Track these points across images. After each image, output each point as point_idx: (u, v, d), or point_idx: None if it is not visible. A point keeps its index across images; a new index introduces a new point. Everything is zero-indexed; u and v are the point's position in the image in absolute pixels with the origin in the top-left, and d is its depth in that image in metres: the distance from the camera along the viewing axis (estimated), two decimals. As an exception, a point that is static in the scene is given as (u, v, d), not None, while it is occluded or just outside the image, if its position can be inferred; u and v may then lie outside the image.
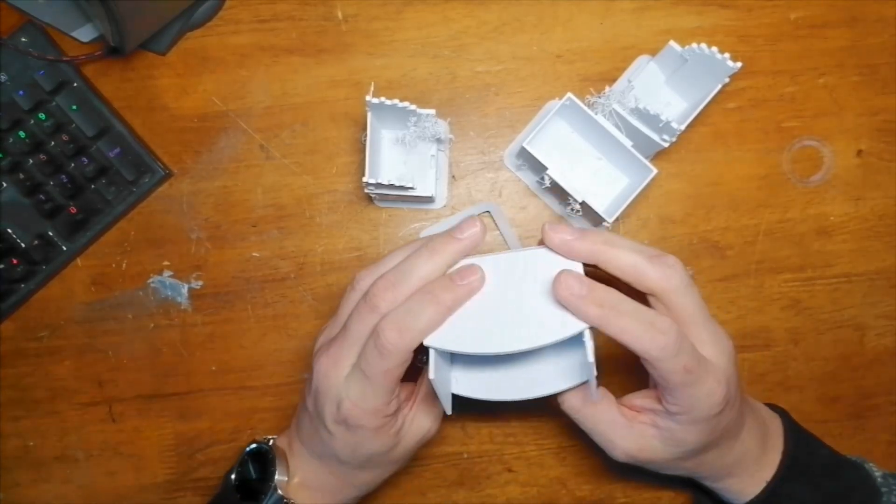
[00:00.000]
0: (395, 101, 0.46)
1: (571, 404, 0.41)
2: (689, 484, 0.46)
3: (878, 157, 0.54)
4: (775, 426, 0.45)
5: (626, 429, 0.40)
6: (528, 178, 0.53)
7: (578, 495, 0.53)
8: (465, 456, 0.53)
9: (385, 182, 0.46)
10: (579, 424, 0.41)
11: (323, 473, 0.43)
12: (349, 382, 0.39)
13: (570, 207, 0.48)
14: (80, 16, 0.52)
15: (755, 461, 0.43)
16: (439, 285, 0.37)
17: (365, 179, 0.46)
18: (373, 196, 0.52)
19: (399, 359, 0.37)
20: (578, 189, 0.47)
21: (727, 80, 0.46)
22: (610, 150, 0.50)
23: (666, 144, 0.47)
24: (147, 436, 0.53)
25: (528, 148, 0.48)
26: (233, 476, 0.44)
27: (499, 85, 0.54)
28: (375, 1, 0.54)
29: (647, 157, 0.48)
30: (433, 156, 0.51)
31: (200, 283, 0.53)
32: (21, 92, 0.51)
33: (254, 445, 0.45)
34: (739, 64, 0.44)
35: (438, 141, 0.51)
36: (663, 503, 0.53)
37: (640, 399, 0.41)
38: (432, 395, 0.41)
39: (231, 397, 0.53)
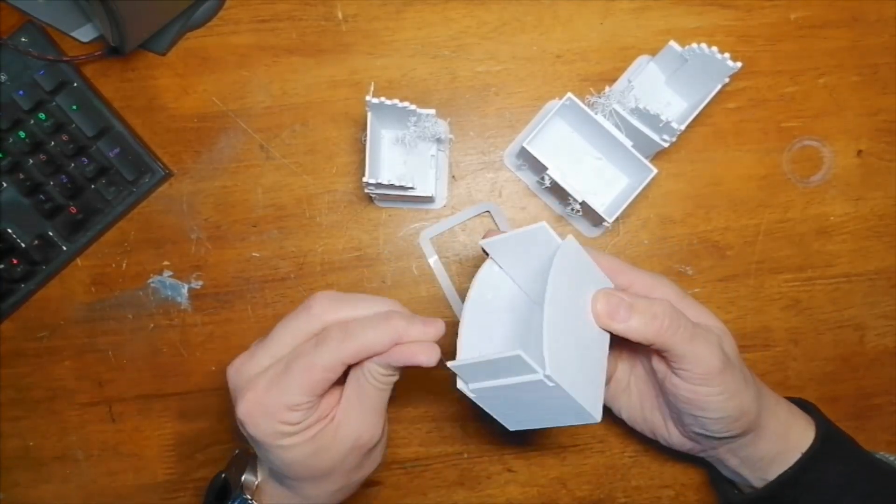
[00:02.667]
0: (395, 101, 0.46)
1: (671, 320, 0.38)
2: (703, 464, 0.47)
3: (878, 157, 0.54)
4: (799, 413, 0.45)
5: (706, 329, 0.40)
6: (528, 178, 0.53)
7: (578, 495, 0.53)
8: (465, 456, 0.53)
9: (385, 182, 0.46)
10: (672, 347, 0.39)
11: (273, 481, 0.42)
12: (259, 377, 0.37)
13: (570, 207, 0.48)
14: (80, 16, 0.52)
15: (784, 430, 0.44)
16: (401, 316, 0.37)
17: (365, 179, 0.46)
18: (373, 196, 0.52)
19: (332, 358, 0.36)
20: (578, 189, 0.47)
21: (727, 79, 0.46)
22: (610, 149, 0.50)
23: (666, 144, 0.47)
24: (147, 436, 0.53)
25: (529, 148, 0.48)
26: (223, 475, 0.44)
27: (499, 85, 0.54)
28: (375, 1, 0.54)
29: (646, 157, 0.48)
30: (433, 156, 0.51)
31: (200, 283, 0.53)
32: (21, 92, 0.51)
33: (237, 451, 0.45)
34: (739, 64, 0.44)
35: (438, 141, 0.51)
36: (663, 503, 0.53)
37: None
38: (364, 401, 0.39)
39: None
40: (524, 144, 0.48)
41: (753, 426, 0.42)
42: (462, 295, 0.53)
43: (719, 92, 0.47)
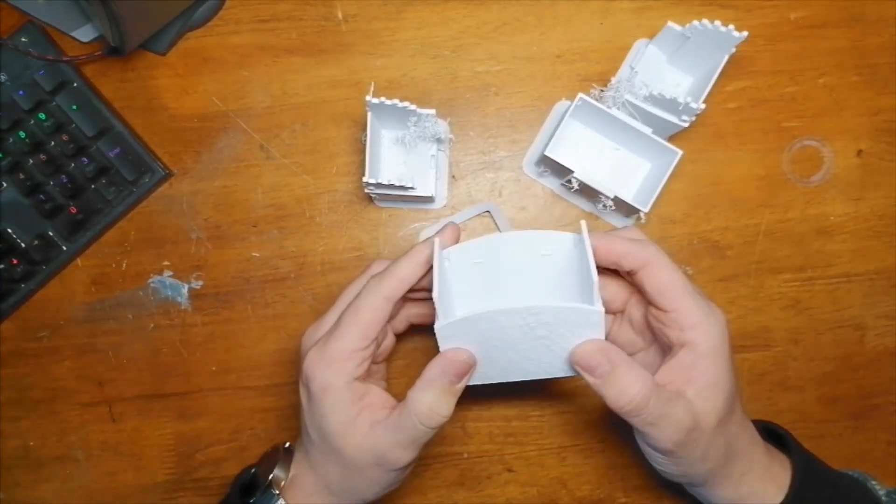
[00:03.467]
0: (395, 101, 0.46)
1: (638, 399, 0.37)
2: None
3: (878, 157, 0.54)
4: (771, 449, 0.44)
5: (679, 402, 0.38)
6: (552, 183, 0.53)
7: (578, 495, 0.53)
8: (465, 456, 0.53)
9: (385, 182, 0.46)
10: (645, 420, 0.37)
11: (304, 469, 0.43)
12: (323, 338, 0.40)
13: (601, 205, 0.48)
14: (80, 16, 0.52)
15: (765, 454, 0.42)
16: (425, 244, 0.41)
17: (365, 179, 0.46)
18: (373, 196, 0.52)
19: (375, 296, 0.39)
20: (607, 185, 0.47)
21: (734, 49, 0.46)
22: (627, 139, 0.50)
23: (686, 125, 0.48)
24: (147, 436, 0.53)
25: (551, 155, 0.48)
26: (252, 470, 0.44)
27: (499, 85, 0.54)
28: (375, 1, 0.54)
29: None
30: (433, 156, 0.51)
31: (200, 283, 0.53)
32: (21, 92, 0.51)
33: (271, 447, 0.45)
34: (745, 33, 0.44)
35: (438, 141, 0.51)
36: (663, 503, 0.53)
37: (664, 373, 0.39)
38: (400, 430, 0.39)
39: (231, 397, 0.53)
40: (546, 153, 0.48)
41: (716, 477, 0.41)
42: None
43: (728, 62, 0.47)
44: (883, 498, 0.43)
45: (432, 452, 0.53)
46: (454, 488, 0.53)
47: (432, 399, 0.38)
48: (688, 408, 0.38)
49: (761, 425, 0.46)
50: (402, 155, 0.51)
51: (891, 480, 0.53)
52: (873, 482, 0.44)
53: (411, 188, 0.48)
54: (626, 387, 0.36)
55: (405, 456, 0.39)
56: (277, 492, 0.42)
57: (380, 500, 0.53)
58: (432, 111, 0.47)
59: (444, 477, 0.53)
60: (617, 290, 0.44)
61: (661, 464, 0.40)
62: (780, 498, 0.41)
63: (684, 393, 0.38)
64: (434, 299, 0.37)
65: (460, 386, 0.39)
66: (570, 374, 0.40)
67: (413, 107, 0.47)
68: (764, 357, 0.53)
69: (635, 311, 0.43)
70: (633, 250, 0.39)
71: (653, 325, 0.41)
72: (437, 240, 0.40)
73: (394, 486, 0.43)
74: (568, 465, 0.53)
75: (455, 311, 0.42)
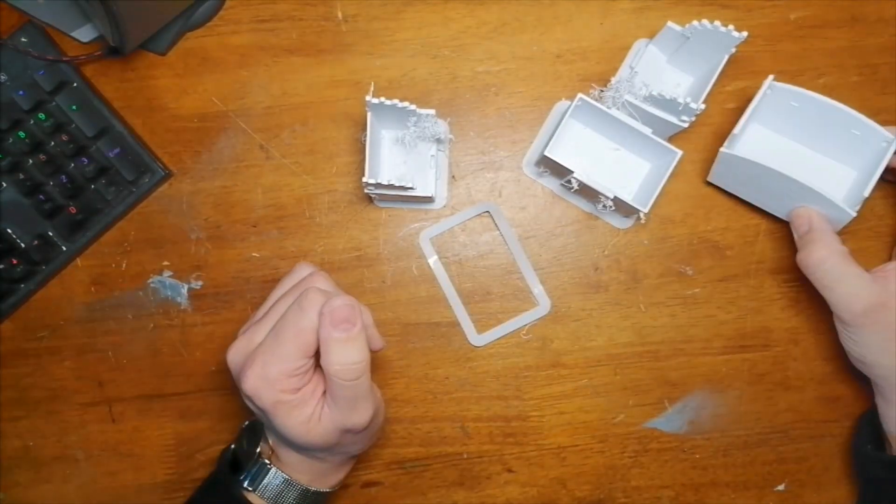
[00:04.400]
0: (395, 101, 0.46)
1: (820, 255, 0.44)
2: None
3: (878, 157, 0.54)
4: None
5: (868, 282, 0.43)
6: (552, 184, 0.53)
7: (578, 495, 0.53)
8: (465, 456, 0.53)
9: (385, 182, 0.46)
10: (822, 279, 0.44)
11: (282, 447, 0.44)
12: (256, 352, 0.40)
13: (601, 205, 0.48)
14: (80, 16, 0.52)
15: None
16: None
17: (365, 179, 0.46)
18: (373, 196, 0.52)
19: (315, 319, 0.38)
20: (607, 186, 0.47)
21: (734, 49, 0.46)
22: (627, 139, 0.50)
23: (686, 125, 0.48)
24: (147, 436, 0.53)
25: (550, 155, 0.48)
26: (232, 447, 0.45)
27: (499, 85, 0.54)
28: (375, 1, 0.54)
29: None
30: (433, 156, 0.51)
31: (200, 283, 0.53)
32: (21, 92, 0.51)
33: (247, 422, 0.46)
34: (745, 33, 0.45)
35: (438, 141, 0.51)
36: (663, 503, 0.53)
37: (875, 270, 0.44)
38: (338, 397, 0.39)
39: (231, 397, 0.53)
40: (546, 153, 0.48)
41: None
42: (462, 295, 0.53)
43: (728, 62, 0.47)
44: None
45: (432, 452, 0.53)
46: (454, 488, 0.53)
47: (336, 356, 0.38)
48: (876, 292, 0.42)
49: None
50: (402, 155, 0.51)
51: (891, 480, 0.53)
52: None
53: (411, 188, 0.48)
54: (811, 249, 0.45)
55: (364, 415, 0.40)
56: (269, 462, 0.43)
57: (379, 500, 0.53)
58: (432, 111, 0.47)
59: (445, 477, 0.53)
60: None
61: (848, 340, 0.45)
62: None
63: (883, 286, 0.42)
64: None
65: (357, 330, 0.38)
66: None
67: (413, 107, 0.46)
68: (764, 357, 0.53)
69: None
70: None
71: None
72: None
73: (374, 438, 0.45)
74: (568, 465, 0.53)
75: None
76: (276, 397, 0.39)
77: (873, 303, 0.42)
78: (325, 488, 0.45)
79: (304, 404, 0.40)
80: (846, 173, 0.50)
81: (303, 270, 0.44)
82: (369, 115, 0.47)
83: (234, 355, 0.42)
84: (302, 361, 0.39)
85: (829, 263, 0.44)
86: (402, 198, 0.52)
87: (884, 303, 0.42)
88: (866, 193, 0.47)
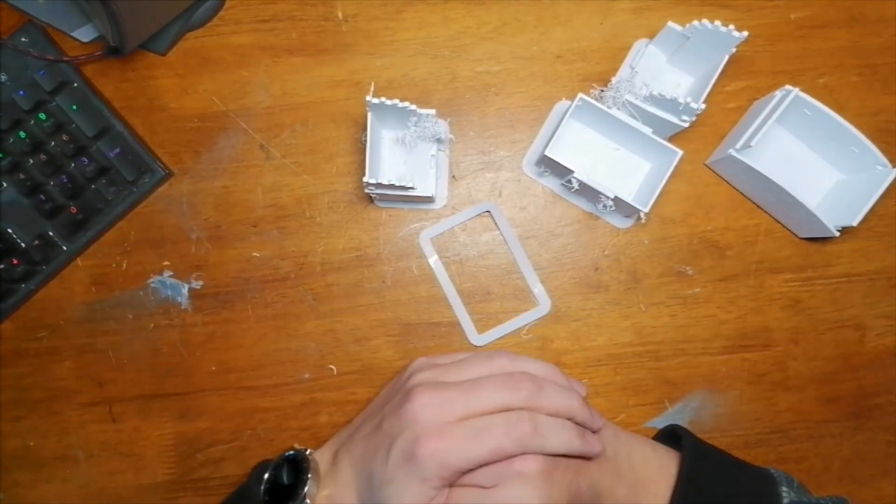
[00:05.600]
0: (396, 101, 0.46)
1: None
2: None
3: (879, 157, 0.54)
4: (661, 466, 0.45)
5: None
6: (552, 183, 0.53)
7: (578, 495, 0.53)
8: (465, 456, 0.53)
9: (385, 182, 0.46)
10: None
11: (353, 492, 0.42)
12: (453, 428, 0.38)
13: (601, 205, 0.48)
14: (81, 16, 0.52)
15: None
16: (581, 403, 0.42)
17: (365, 179, 0.46)
18: (373, 196, 0.52)
19: (515, 451, 0.38)
20: (607, 186, 0.47)
21: (734, 49, 0.46)
22: (627, 139, 0.50)
23: (686, 125, 0.48)
24: (147, 436, 0.53)
25: (551, 155, 0.48)
26: (266, 475, 0.43)
27: (499, 85, 0.54)
28: (375, 1, 0.54)
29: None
30: (433, 156, 0.51)
31: (200, 283, 0.53)
32: (21, 92, 0.51)
33: (292, 452, 0.44)
34: (745, 33, 0.45)
35: (438, 141, 0.51)
36: (663, 503, 0.53)
37: None
38: None
39: (231, 397, 0.53)
40: (546, 153, 0.48)
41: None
42: (462, 295, 0.53)
43: (728, 62, 0.47)
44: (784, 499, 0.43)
45: (432, 452, 0.53)
46: (454, 488, 0.53)
47: None
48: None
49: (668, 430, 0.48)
50: (402, 155, 0.51)
51: (890, 480, 0.53)
52: (781, 488, 0.44)
53: (411, 188, 0.48)
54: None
55: None
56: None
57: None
58: (432, 111, 0.47)
59: (444, 477, 0.53)
60: None
61: None
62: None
63: None
64: None
65: None
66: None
67: (413, 107, 0.47)
68: (764, 357, 0.53)
69: None
70: None
71: None
72: None
73: None
74: (568, 465, 0.53)
75: None
76: (432, 474, 0.37)
77: None
78: None
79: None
80: (842, 184, 0.51)
81: (527, 383, 0.41)
82: (370, 114, 0.47)
83: (424, 410, 0.39)
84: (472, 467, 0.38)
85: None
86: (403, 198, 0.52)
87: None
88: (854, 223, 0.48)
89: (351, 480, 0.42)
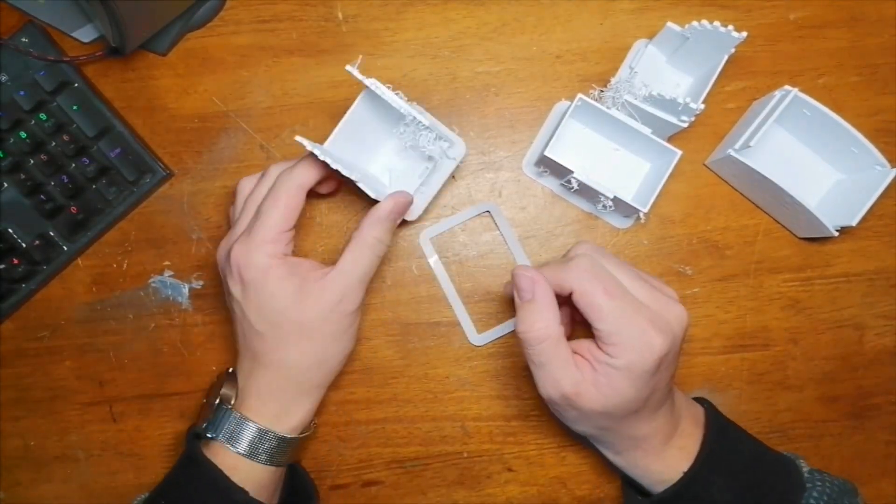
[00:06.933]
0: (389, 89, 0.44)
1: (536, 335, 0.40)
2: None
3: (878, 158, 0.54)
4: (693, 414, 0.45)
5: (572, 368, 0.40)
6: (552, 184, 0.53)
7: (578, 495, 0.53)
8: (465, 456, 0.53)
9: (332, 164, 0.43)
10: (532, 356, 0.41)
11: (252, 379, 0.45)
12: (244, 233, 0.44)
13: (600, 205, 0.48)
14: (81, 16, 0.52)
15: (662, 442, 0.43)
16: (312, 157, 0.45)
17: (309, 146, 0.43)
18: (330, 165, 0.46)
19: (294, 184, 0.44)
20: (607, 186, 0.47)
21: (734, 50, 0.47)
22: (627, 139, 0.50)
23: (685, 125, 0.48)
24: (148, 435, 0.53)
25: (550, 155, 0.48)
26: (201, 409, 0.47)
27: (499, 85, 0.54)
28: (376, 1, 0.54)
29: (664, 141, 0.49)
30: (421, 172, 0.50)
31: (201, 283, 0.53)
32: (22, 92, 0.51)
33: (214, 379, 0.49)
34: (745, 34, 0.45)
35: (429, 158, 0.49)
36: (663, 503, 0.53)
37: (585, 346, 0.41)
38: (357, 267, 0.44)
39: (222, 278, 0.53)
40: (546, 153, 0.48)
41: (601, 445, 0.45)
42: (462, 295, 0.53)
43: (727, 62, 0.47)
44: (805, 474, 0.44)
45: (432, 452, 0.53)
46: (454, 487, 0.53)
47: (380, 232, 0.44)
48: (574, 380, 0.40)
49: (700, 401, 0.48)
50: (397, 148, 0.51)
51: (890, 480, 0.53)
52: (801, 461, 0.45)
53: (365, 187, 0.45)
54: (533, 321, 0.41)
55: (360, 290, 0.44)
56: (229, 406, 0.44)
57: (380, 499, 0.53)
58: (425, 122, 0.46)
59: (444, 476, 0.53)
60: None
61: (556, 414, 0.44)
62: (674, 476, 0.42)
63: (584, 373, 0.40)
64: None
65: (398, 222, 0.46)
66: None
67: (406, 106, 0.45)
68: (764, 357, 0.53)
69: None
70: (559, 280, 0.41)
71: None
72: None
73: (348, 350, 0.46)
74: (568, 465, 0.53)
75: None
76: (265, 261, 0.42)
77: (567, 392, 0.40)
78: (286, 432, 0.44)
79: (295, 273, 0.43)
80: (841, 184, 0.51)
81: (275, 169, 0.46)
82: (360, 98, 0.46)
83: (220, 251, 0.44)
84: (286, 225, 0.43)
85: (546, 343, 0.40)
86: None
87: (577, 392, 0.40)
88: (854, 223, 0.48)
89: (245, 362, 0.46)
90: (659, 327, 0.40)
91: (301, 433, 0.46)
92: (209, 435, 0.44)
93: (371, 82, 0.44)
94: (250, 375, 0.45)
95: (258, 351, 0.44)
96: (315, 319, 0.43)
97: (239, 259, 0.43)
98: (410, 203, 0.47)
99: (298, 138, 0.43)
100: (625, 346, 0.39)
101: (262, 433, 0.43)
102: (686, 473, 0.42)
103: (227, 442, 0.43)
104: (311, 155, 0.43)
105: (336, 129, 0.47)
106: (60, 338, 0.53)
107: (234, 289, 0.44)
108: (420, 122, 0.46)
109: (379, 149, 0.51)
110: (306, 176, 0.44)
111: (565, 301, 0.42)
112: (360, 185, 0.45)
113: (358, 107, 0.47)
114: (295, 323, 0.43)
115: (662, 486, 0.43)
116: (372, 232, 0.44)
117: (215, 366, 0.53)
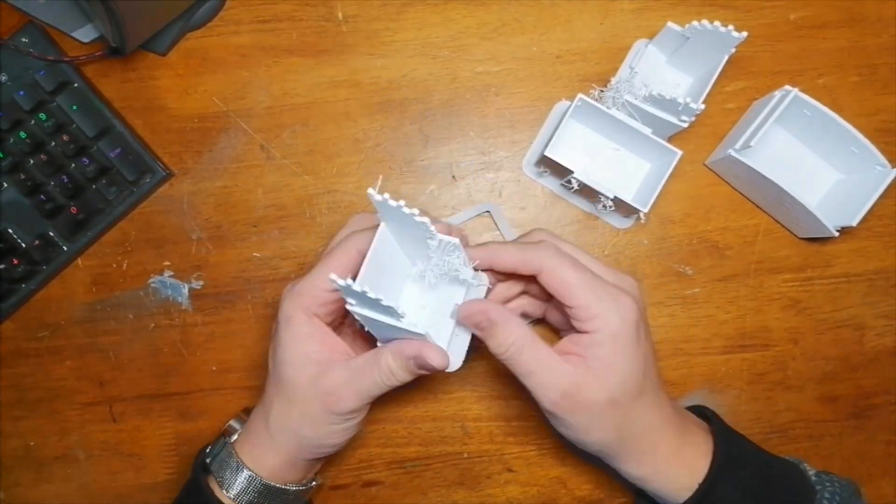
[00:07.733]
0: (402, 204, 0.35)
1: (515, 347, 0.40)
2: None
3: (878, 158, 0.54)
4: (692, 418, 0.45)
5: (560, 365, 0.40)
6: (552, 184, 0.53)
7: (578, 495, 0.53)
8: (465, 456, 0.53)
9: (363, 313, 0.38)
10: (519, 368, 0.41)
11: (257, 419, 0.45)
12: (300, 278, 0.43)
13: (601, 205, 0.48)
14: (81, 16, 0.52)
15: (676, 435, 0.42)
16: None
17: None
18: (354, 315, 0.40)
19: (353, 247, 0.42)
20: (607, 186, 0.47)
21: (734, 50, 0.47)
22: (627, 139, 0.50)
23: (685, 125, 0.48)
24: (148, 435, 0.53)
25: (551, 155, 0.48)
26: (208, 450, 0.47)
27: (499, 85, 0.54)
28: (376, 1, 0.54)
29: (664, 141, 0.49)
30: (458, 303, 0.42)
31: (201, 283, 0.53)
32: (22, 92, 0.51)
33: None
34: (745, 34, 0.45)
35: (460, 282, 0.42)
36: (663, 503, 0.53)
37: (564, 342, 0.42)
38: (358, 380, 0.41)
39: (231, 397, 0.53)
40: (546, 153, 0.48)
41: (612, 450, 0.42)
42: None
43: (728, 62, 0.47)
44: (812, 477, 0.44)
45: (432, 452, 0.53)
46: (454, 488, 0.53)
47: (398, 368, 0.41)
48: (569, 373, 0.40)
49: (696, 410, 0.47)
50: (423, 290, 0.44)
51: (890, 480, 0.53)
52: (804, 465, 0.45)
53: (407, 330, 0.38)
54: (504, 338, 0.40)
55: (352, 401, 0.41)
56: (226, 439, 0.45)
57: (380, 499, 0.52)
58: (455, 240, 0.39)
59: (445, 476, 0.53)
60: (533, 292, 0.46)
61: (556, 425, 0.42)
62: (694, 480, 0.41)
63: (576, 366, 0.40)
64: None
65: (419, 373, 0.42)
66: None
67: (426, 220, 0.36)
68: (764, 357, 0.53)
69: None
70: (526, 259, 0.41)
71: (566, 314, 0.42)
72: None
73: (327, 442, 0.43)
74: (568, 465, 0.53)
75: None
76: (293, 312, 0.41)
77: (566, 388, 0.39)
78: (270, 479, 0.43)
79: (315, 338, 0.42)
80: (841, 184, 0.51)
81: (356, 222, 0.46)
82: (381, 225, 0.40)
83: (286, 290, 0.43)
84: (329, 284, 0.37)
85: (525, 350, 0.40)
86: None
87: (576, 384, 0.39)
88: (854, 223, 0.48)
89: (258, 417, 0.45)
90: (624, 290, 0.41)
91: (288, 485, 0.44)
92: (207, 460, 0.45)
93: (395, 204, 0.36)
94: (256, 415, 0.45)
95: (266, 393, 0.44)
96: (302, 391, 0.42)
97: (282, 298, 0.43)
98: (435, 366, 0.40)
99: (371, 193, 0.36)
100: (603, 317, 0.39)
101: (250, 479, 0.43)
102: (705, 479, 0.41)
103: (218, 475, 0.44)
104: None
105: (364, 265, 0.39)
106: (60, 338, 0.53)
107: (273, 327, 0.44)
108: (450, 242, 0.39)
109: (402, 286, 0.44)
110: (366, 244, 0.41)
111: (532, 281, 0.42)
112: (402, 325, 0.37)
113: (381, 236, 0.40)
114: (288, 381, 0.42)
115: (683, 493, 0.42)
116: (389, 360, 0.40)
117: (215, 366, 0.53)
